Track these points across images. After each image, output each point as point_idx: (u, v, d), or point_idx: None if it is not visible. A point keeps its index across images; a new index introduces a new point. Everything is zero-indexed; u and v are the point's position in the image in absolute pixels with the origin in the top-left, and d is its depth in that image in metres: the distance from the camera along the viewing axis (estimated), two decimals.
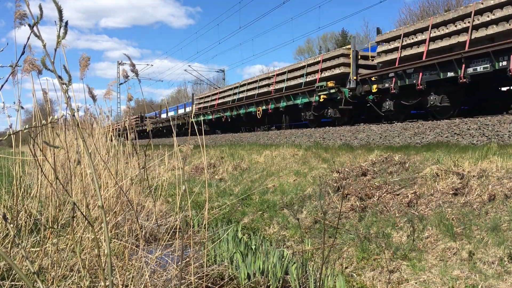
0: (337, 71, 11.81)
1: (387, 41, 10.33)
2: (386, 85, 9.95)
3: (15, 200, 3.86)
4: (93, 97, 3.17)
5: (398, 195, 5.21)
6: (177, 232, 3.98)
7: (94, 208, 4.25)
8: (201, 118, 21.86)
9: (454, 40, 8.40)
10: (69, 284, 3.10)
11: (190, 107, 27.70)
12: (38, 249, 3.37)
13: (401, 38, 9.75)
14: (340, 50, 12.27)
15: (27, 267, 2.90)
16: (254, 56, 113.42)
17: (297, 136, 11.80)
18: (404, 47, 9.71)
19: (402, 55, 9.67)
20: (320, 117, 13.01)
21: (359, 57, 11.45)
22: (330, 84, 11.73)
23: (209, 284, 3.87)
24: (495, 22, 7.62)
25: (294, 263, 4.38)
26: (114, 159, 4.93)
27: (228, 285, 4.21)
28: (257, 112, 16.05)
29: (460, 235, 4.06)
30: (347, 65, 11.57)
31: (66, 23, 1.40)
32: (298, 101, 13.49)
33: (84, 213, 3.19)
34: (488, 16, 7.76)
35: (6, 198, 4.63)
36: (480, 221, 4.10)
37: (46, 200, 4.17)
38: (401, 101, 9.83)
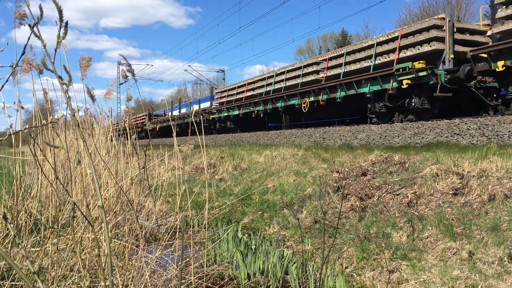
0: (426, 48, 9.28)
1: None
2: None
3: (15, 200, 3.86)
4: (92, 97, 3.17)
5: (398, 195, 5.21)
6: (177, 232, 3.98)
7: (94, 208, 4.25)
8: (224, 114, 19.33)
9: None
10: (69, 284, 3.10)
11: (208, 103, 24.96)
12: (38, 249, 3.37)
13: None
14: (431, 21, 9.53)
15: (27, 267, 2.90)
16: (254, 56, 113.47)
17: (297, 136, 11.80)
18: None
19: None
20: (396, 110, 10.29)
21: (455, 30, 9.18)
22: (419, 65, 9.15)
23: (209, 284, 3.87)
24: None
25: (294, 263, 4.39)
26: (114, 159, 4.93)
27: (228, 285, 4.21)
28: (302, 105, 13.35)
29: (460, 235, 4.06)
30: (440, 39, 9.13)
31: (66, 23, 1.40)
32: (364, 89, 10.81)
33: (84, 213, 3.19)
34: None
35: (6, 198, 4.63)
36: (480, 221, 4.10)
37: (46, 200, 4.17)
38: None
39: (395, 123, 9.66)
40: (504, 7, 8.06)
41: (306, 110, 13.24)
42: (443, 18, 9.35)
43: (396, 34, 10.50)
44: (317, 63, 13.63)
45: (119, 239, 3.89)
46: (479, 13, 10.72)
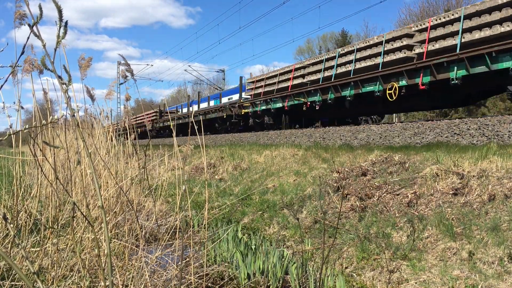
0: None
1: None
2: None
3: (15, 200, 3.86)
4: (92, 97, 3.17)
5: (398, 195, 5.21)
6: (177, 232, 3.98)
7: (94, 208, 4.25)
8: (262, 107, 16.01)
9: None
10: (69, 284, 3.10)
11: (236, 95, 21.70)
12: (38, 249, 3.37)
13: None
14: None
15: (27, 267, 2.90)
16: (254, 56, 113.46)
17: (297, 136, 11.79)
18: None
19: None
20: None
21: None
22: None
23: (209, 284, 3.87)
24: None
25: (294, 263, 4.38)
26: (114, 159, 4.93)
27: (228, 285, 4.21)
28: (387, 92, 10.15)
29: (460, 235, 4.06)
30: None
31: (66, 23, 1.40)
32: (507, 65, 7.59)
33: (84, 213, 3.19)
34: None
35: (6, 198, 4.64)
36: (480, 221, 4.10)
37: (46, 200, 4.17)
38: None
39: (395, 123, 9.65)
40: None
41: (394, 98, 9.99)
42: None
43: None
44: (409, 35, 10.11)
45: (119, 239, 3.89)
46: None
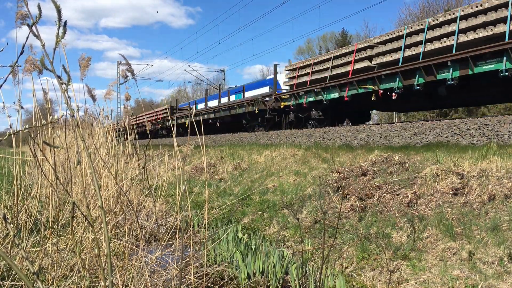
0: None
1: None
2: None
3: (15, 200, 3.86)
4: (93, 97, 3.17)
5: (398, 195, 5.21)
6: (177, 232, 3.98)
7: (94, 208, 4.25)
8: (309, 98, 12.87)
9: None
10: (69, 284, 3.10)
11: (262, 89, 19.43)
12: (38, 249, 3.37)
13: None
14: None
15: (27, 267, 2.90)
16: (254, 56, 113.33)
17: (297, 136, 11.79)
18: None
19: None
20: None
21: None
22: None
23: (209, 284, 3.87)
24: None
25: (294, 263, 4.38)
26: (114, 159, 4.93)
27: (228, 285, 4.21)
28: None
29: (460, 235, 4.06)
30: None
31: (65, 22, 1.40)
32: None
33: (84, 213, 3.19)
34: None
35: (6, 198, 4.64)
36: (480, 221, 4.10)
37: (46, 200, 4.17)
38: None
39: (395, 123, 9.64)
40: None
41: None
42: None
43: None
44: None
45: (119, 239, 3.89)
46: None
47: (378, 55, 11.25)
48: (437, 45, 9.47)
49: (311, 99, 12.95)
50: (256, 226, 6.25)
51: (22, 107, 3.56)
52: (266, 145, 11.61)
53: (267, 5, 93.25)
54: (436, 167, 5.26)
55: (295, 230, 5.56)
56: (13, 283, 2.98)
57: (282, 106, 14.69)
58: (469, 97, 9.95)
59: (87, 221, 3.03)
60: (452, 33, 9.15)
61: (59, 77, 1.49)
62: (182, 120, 22.77)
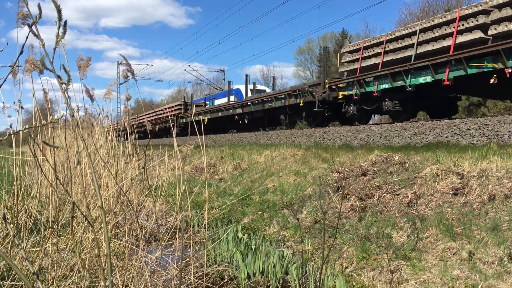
0: None
1: None
2: None
3: (15, 200, 3.86)
4: (91, 97, 3.17)
5: (398, 195, 5.21)
6: (177, 232, 3.98)
7: (94, 208, 4.25)
8: (383, 85, 10.09)
9: None
10: (69, 284, 3.10)
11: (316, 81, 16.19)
12: (38, 249, 3.37)
13: None
14: None
15: (27, 267, 2.90)
16: (254, 56, 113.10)
17: (297, 136, 11.79)
18: None
19: None
20: None
21: None
22: None
23: (209, 284, 3.87)
24: None
25: (294, 263, 4.38)
26: (114, 159, 4.93)
27: (228, 285, 4.21)
28: None
29: (460, 235, 4.06)
30: None
31: (65, 22, 1.40)
32: None
33: (84, 213, 3.19)
34: None
35: (6, 198, 4.63)
36: (480, 221, 4.10)
37: (46, 200, 4.17)
38: None
39: (395, 123, 9.65)
40: None
41: None
42: None
43: None
44: None
45: (119, 239, 3.89)
46: None
47: (498, 21, 8.00)
48: None
49: (385, 86, 10.04)
50: (256, 226, 6.25)
51: (22, 107, 3.55)
52: (266, 145, 11.61)
53: (267, 5, 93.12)
54: (436, 167, 5.26)
55: (295, 230, 5.56)
56: (13, 283, 2.98)
57: (340, 96, 11.61)
58: None
59: (87, 221, 3.03)
60: None
61: (59, 77, 1.49)
62: (200, 117, 19.98)
